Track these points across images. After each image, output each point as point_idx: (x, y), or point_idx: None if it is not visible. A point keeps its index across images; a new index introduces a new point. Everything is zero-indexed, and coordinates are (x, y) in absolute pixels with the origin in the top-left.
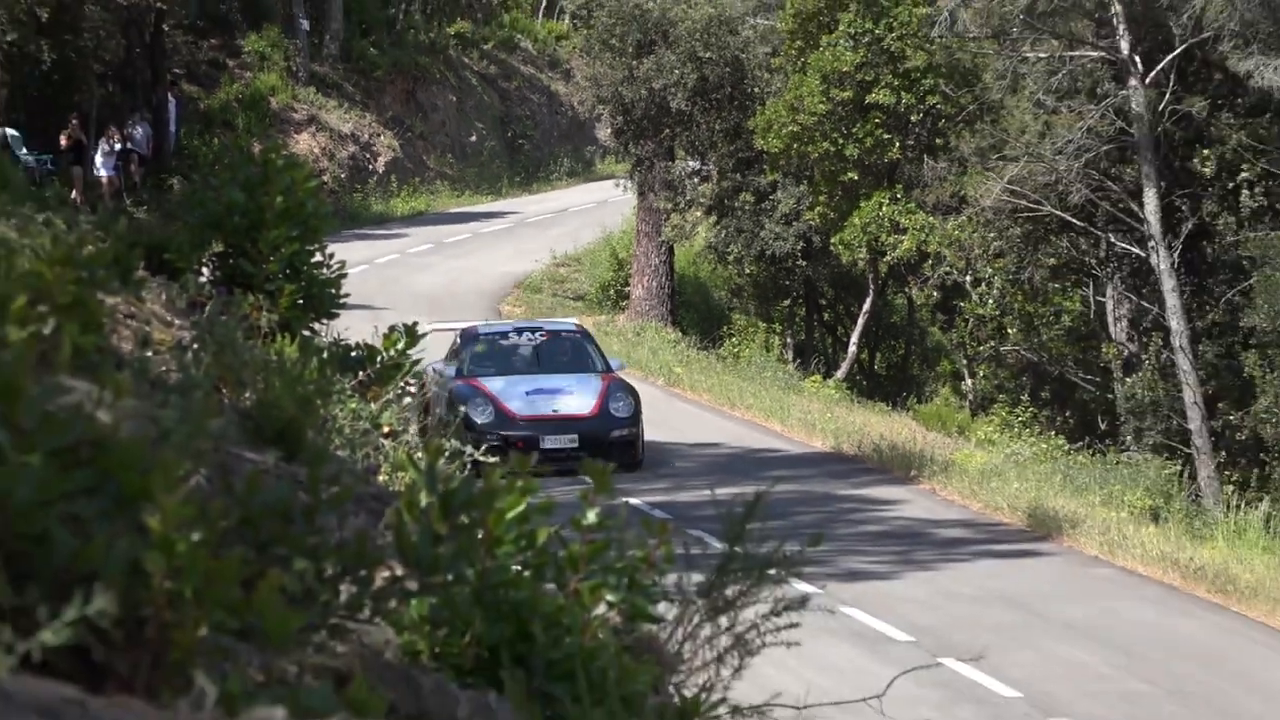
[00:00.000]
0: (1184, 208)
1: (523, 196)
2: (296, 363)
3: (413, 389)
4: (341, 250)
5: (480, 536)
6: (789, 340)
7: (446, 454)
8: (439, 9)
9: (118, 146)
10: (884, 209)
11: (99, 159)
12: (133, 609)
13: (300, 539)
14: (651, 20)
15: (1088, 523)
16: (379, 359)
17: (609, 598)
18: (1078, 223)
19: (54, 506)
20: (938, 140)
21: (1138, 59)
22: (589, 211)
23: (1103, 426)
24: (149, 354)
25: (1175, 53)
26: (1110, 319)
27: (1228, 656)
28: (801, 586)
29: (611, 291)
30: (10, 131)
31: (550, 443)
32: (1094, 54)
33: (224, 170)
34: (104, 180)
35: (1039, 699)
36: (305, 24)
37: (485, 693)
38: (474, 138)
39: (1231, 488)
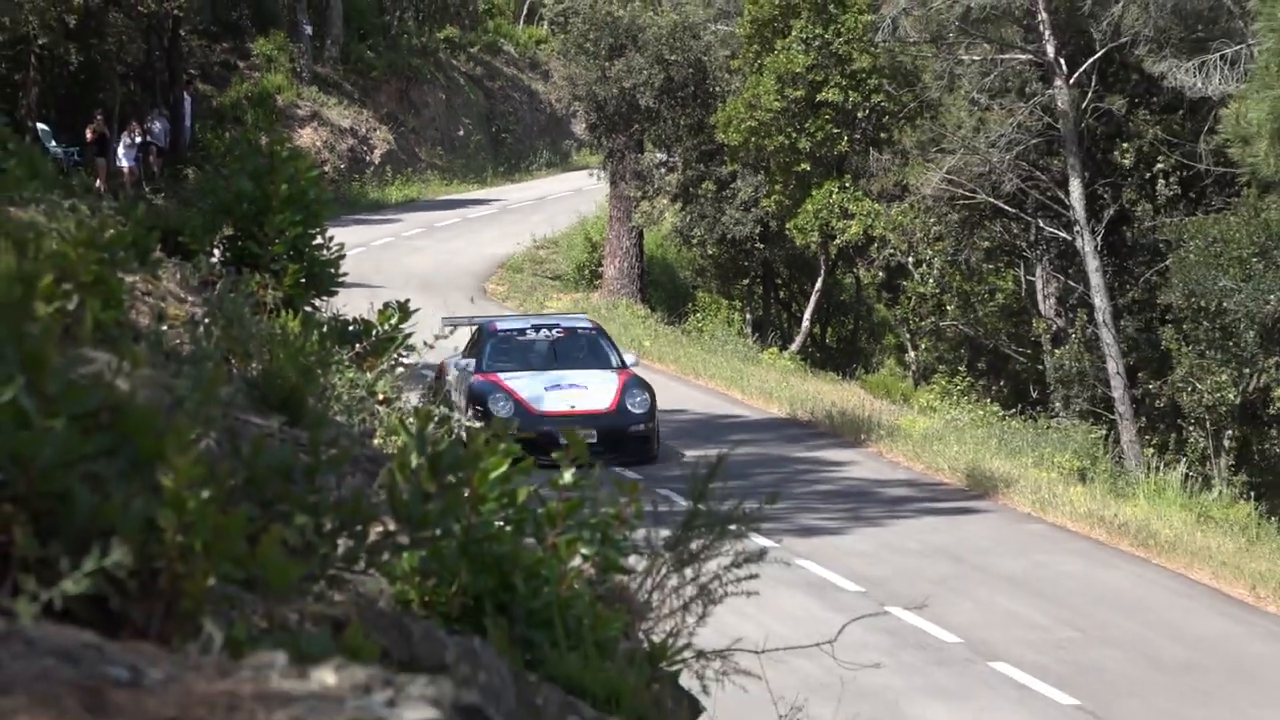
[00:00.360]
0: (1106, 196)
1: (506, 185)
2: (299, 336)
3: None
4: (340, 234)
5: (466, 495)
6: (748, 316)
7: (435, 421)
8: (430, 16)
9: (138, 140)
10: (834, 197)
11: (121, 151)
12: (147, 561)
13: (301, 497)
14: (622, 26)
15: (1021, 483)
16: (374, 333)
17: (584, 551)
18: (1009, 209)
19: (75, 467)
20: (882, 134)
21: (1062, 61)
22: (566, 199)
23: (1034, 395)
24: (164, 328)
25: (1096, 56)
26: (1040, 297)
27: (1149, 605)
28: (760, 541)
29: (586, 272)
30: (41, 126)
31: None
32: (1023, 57)
33: (234, 161)
34: (125, 170)
35: (977, 644)
36: (308, 29)
37: (470, 638)
38: (461, 132)
39: (1151, 451)
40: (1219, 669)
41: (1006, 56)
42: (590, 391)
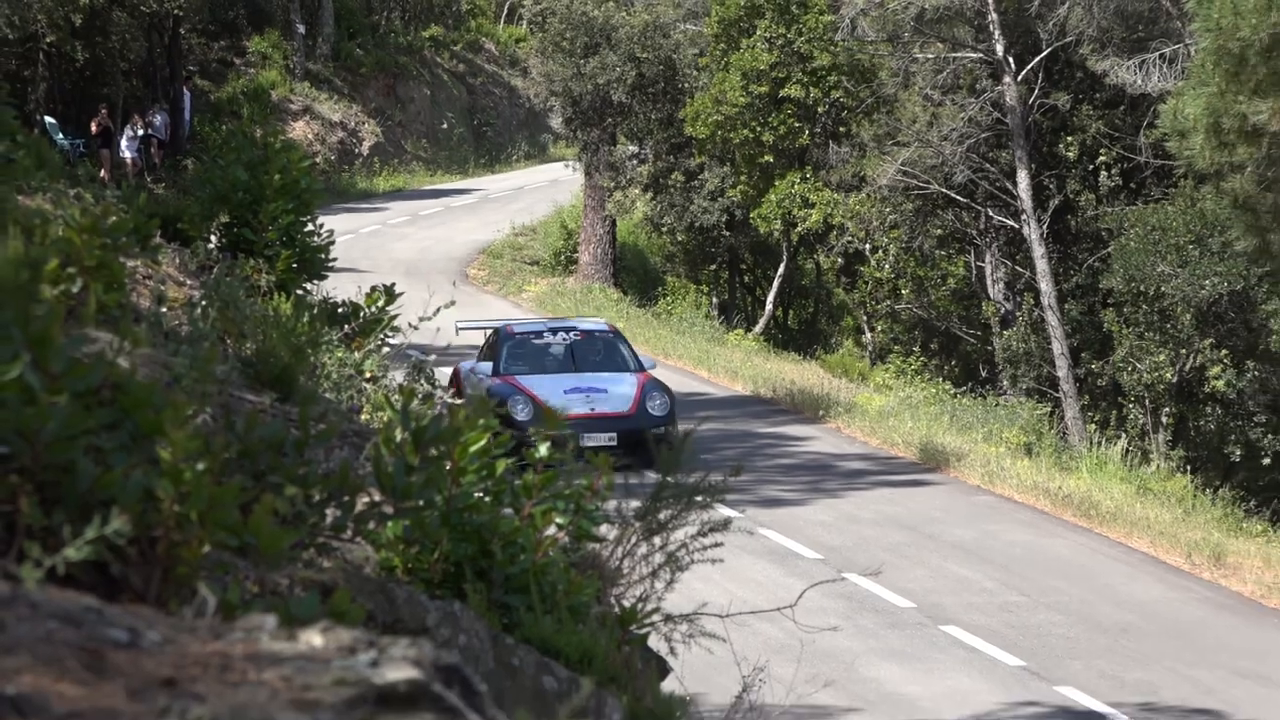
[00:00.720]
0: (1051, 186)
1: (486, 176)
2: (291, 318)
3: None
4: (330, 221)
5: (447, 467)
6: (715, 299)
7: (419, 398)
8: (415, 16)
9: (140, 132)
10: (795, 187)
11: (124, 143)
12: (145, 529)
13: (291, 469)
14: (596, 26)
15: (971, 456)
16: (362, 314)
17: (558, 520)
18: (961, 199)
19: (78, 440)
20: (841, 128)
21: (1011, 60)
22: (543, 189)
23: (983, 374)
24: (163, 309)
25: (1043, 54)
26: (989, 281)
27: (1091, 572)
28: (725, 511)
29: (562, 258)
30: (49, 119)
31: (589, 440)
32: (974, 55)
33: (230, 153)
34: (128, 161)
35: (930, 609)
36: (301, 28)
37: (451, 602)
38: (445, 125)
39: (1094, 427)
40: (1156, 632)
41: (958, 55)
42: (610, 394)
